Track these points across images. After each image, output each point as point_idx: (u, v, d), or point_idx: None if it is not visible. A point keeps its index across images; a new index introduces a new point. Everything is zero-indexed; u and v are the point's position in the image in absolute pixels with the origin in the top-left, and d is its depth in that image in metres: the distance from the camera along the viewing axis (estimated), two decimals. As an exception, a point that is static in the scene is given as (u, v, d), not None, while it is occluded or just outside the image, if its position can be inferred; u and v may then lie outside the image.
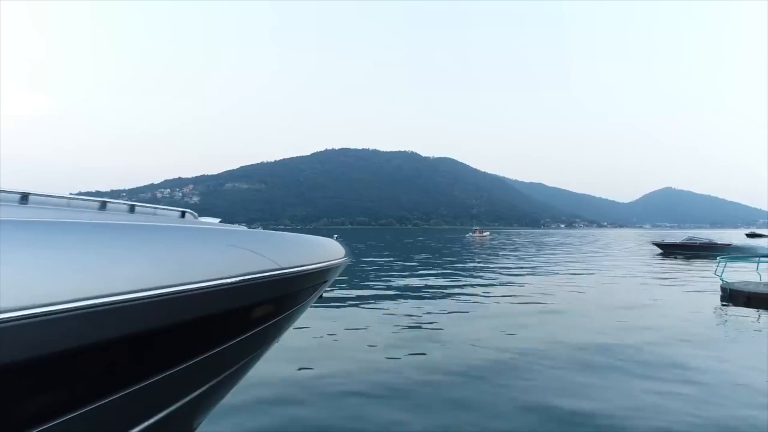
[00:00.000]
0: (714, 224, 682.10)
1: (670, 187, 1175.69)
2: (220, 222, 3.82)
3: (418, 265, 26.15)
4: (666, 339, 8.39)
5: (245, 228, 3.74)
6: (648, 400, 5.19)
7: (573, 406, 4.99)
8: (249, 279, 2.97)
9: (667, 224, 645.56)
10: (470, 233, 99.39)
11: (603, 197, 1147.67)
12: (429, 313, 10.97)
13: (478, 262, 27.08)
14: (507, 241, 53.17)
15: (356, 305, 12.35)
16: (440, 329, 8.98)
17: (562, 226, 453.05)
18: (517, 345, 7.73)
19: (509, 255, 33.18)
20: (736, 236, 52.47)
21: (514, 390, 5.44)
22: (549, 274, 20.15)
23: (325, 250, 4.15)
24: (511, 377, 5.89)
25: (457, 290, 15.05)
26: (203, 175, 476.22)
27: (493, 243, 49.56)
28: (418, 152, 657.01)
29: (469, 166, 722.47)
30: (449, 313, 11.23)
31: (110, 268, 2.16)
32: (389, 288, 15.78)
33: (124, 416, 2.57)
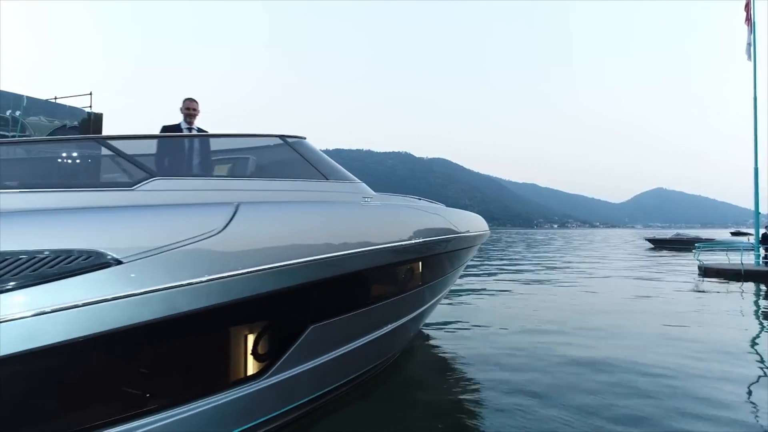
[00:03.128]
0: (705, 224, 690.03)
1: (662, 188, 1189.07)
2: (420, 199, 5.49)
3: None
4: (659, 295, 11.70)
5: (439, 204, 5.52)
6: (652, 329, 7.78)
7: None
8: (440, 238, 4.76)
9: (659, 224, 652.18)
10: None
11: (595, 198, 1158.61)
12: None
13: (523, 256, 29.60)
14: (511, 240, 55.78)
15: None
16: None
17: (555, 226, 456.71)
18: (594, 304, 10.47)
19: (526, 250, 35.72)
20: (723, 235, 55.42)
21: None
22: (564, 262, 22.73)
23: (478, 223, 6.16)
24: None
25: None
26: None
27: (499, 242, 52.03)
28: (412, 153, 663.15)
29: (462, 166, 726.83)
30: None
31: (360, 233, 3.70)
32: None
33: (376, 320, 4.25)
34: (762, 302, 10.86)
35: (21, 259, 2.09)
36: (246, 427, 3.18)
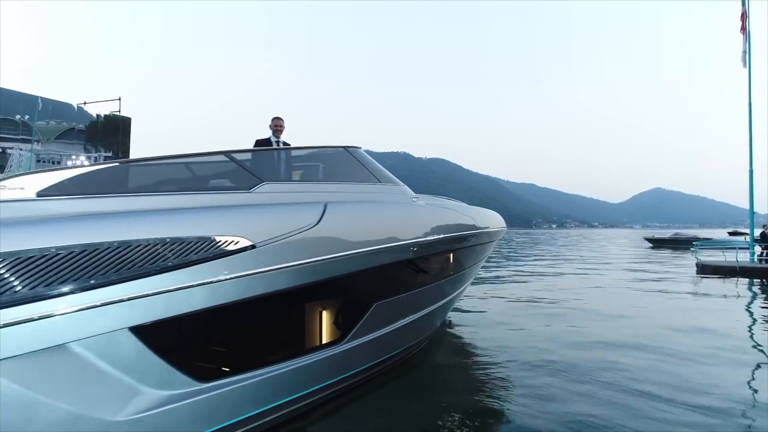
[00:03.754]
0: (703, 224, 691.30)
1: (660, 188, 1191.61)
2: (443, 198, 6.20)
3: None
4: (661, 289, 12.72)
5: (462, 203, 6.19)
6: (653, 311, 9.14)
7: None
8: (472, 232, 5.54)
9: (657, 224, 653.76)
10: None
11: (594, 198, 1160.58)
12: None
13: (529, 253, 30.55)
14: (518, 240, 56.70)
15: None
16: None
17: (554, 226, 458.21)
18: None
19: (533, 249, 36.54)
20: (721, 235, 56.43)
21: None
22: (572, 260, 23.73)
23: (498, 220, 6.87)
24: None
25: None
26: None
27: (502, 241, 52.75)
28: (411, 153, 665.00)
29: (461, 166, 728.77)
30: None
31: (414, 228, 4.43)
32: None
33: (423, 301, 5.01)
34: (756, 296, 11.69)
35: (191, 242, 2.83)
36: (325, 384, 3.92)
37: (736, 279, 14.55)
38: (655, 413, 4.05)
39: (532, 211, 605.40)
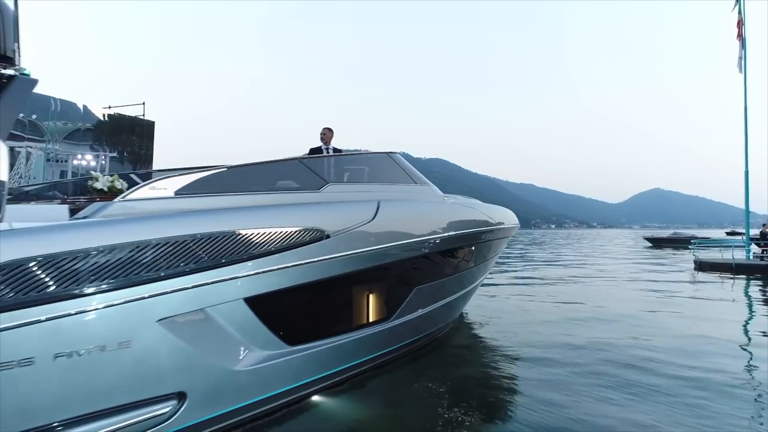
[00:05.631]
0: (702, 224, 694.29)
1: (659, 188, 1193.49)
2: (463, 197, 6.91)
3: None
4: (661, 284, 13.52)
5: (477, 200, 6.92)
6: (649, 305, 9.60)
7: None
8: (492, 228, 6.24)
9: (656, 225, 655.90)
10: None
11: (593, 198, 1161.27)
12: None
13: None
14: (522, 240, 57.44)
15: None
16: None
17: (553, 226, 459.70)
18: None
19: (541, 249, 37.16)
20: (719, 235, 57.19)
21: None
22: (578, 258, 24.51)
23: (511, 217, 7.45)
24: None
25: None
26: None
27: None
28: (410, 153, 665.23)
29: (460, 167, 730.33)
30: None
31: (447, 224, 5.13)
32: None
33: (452, 288, 5.76)
34: (749, 290, 12.43)
35: (283, 232, 3.50)
36: (377, 354, 4.60)
37: (732, 275, 15.29)
38: (659, 412, 3.93)
39: (531, 212, 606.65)
